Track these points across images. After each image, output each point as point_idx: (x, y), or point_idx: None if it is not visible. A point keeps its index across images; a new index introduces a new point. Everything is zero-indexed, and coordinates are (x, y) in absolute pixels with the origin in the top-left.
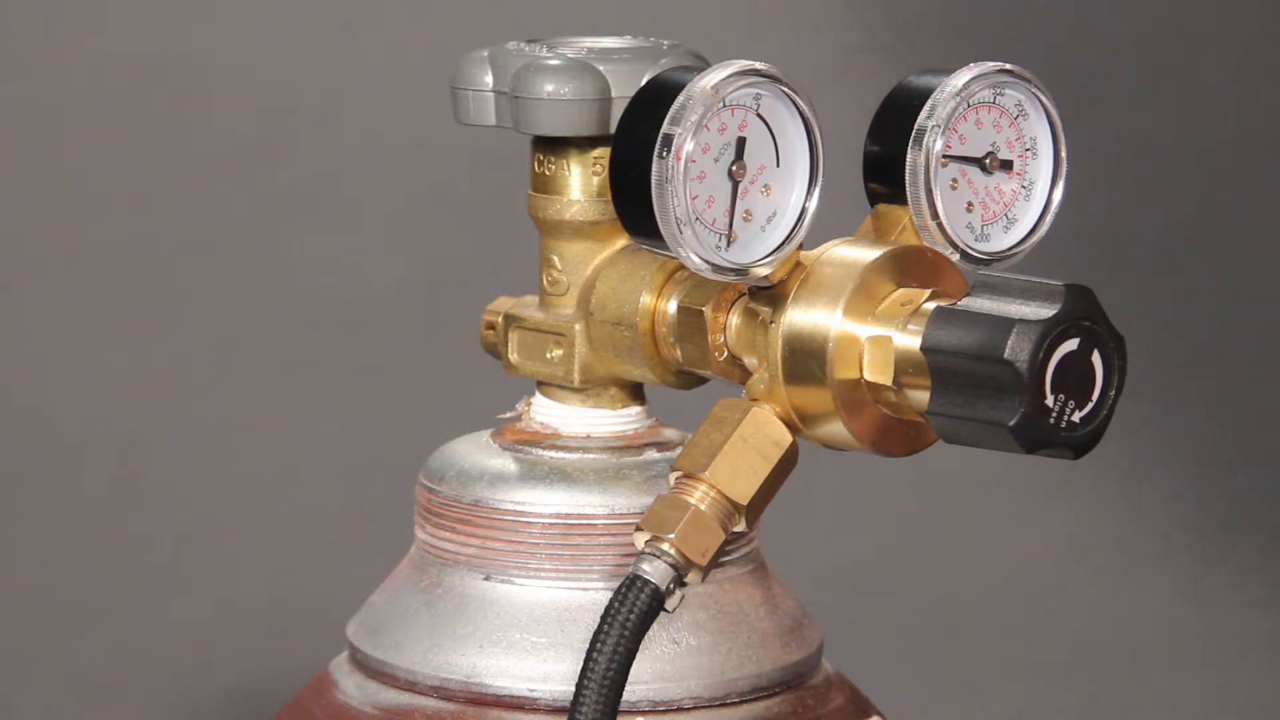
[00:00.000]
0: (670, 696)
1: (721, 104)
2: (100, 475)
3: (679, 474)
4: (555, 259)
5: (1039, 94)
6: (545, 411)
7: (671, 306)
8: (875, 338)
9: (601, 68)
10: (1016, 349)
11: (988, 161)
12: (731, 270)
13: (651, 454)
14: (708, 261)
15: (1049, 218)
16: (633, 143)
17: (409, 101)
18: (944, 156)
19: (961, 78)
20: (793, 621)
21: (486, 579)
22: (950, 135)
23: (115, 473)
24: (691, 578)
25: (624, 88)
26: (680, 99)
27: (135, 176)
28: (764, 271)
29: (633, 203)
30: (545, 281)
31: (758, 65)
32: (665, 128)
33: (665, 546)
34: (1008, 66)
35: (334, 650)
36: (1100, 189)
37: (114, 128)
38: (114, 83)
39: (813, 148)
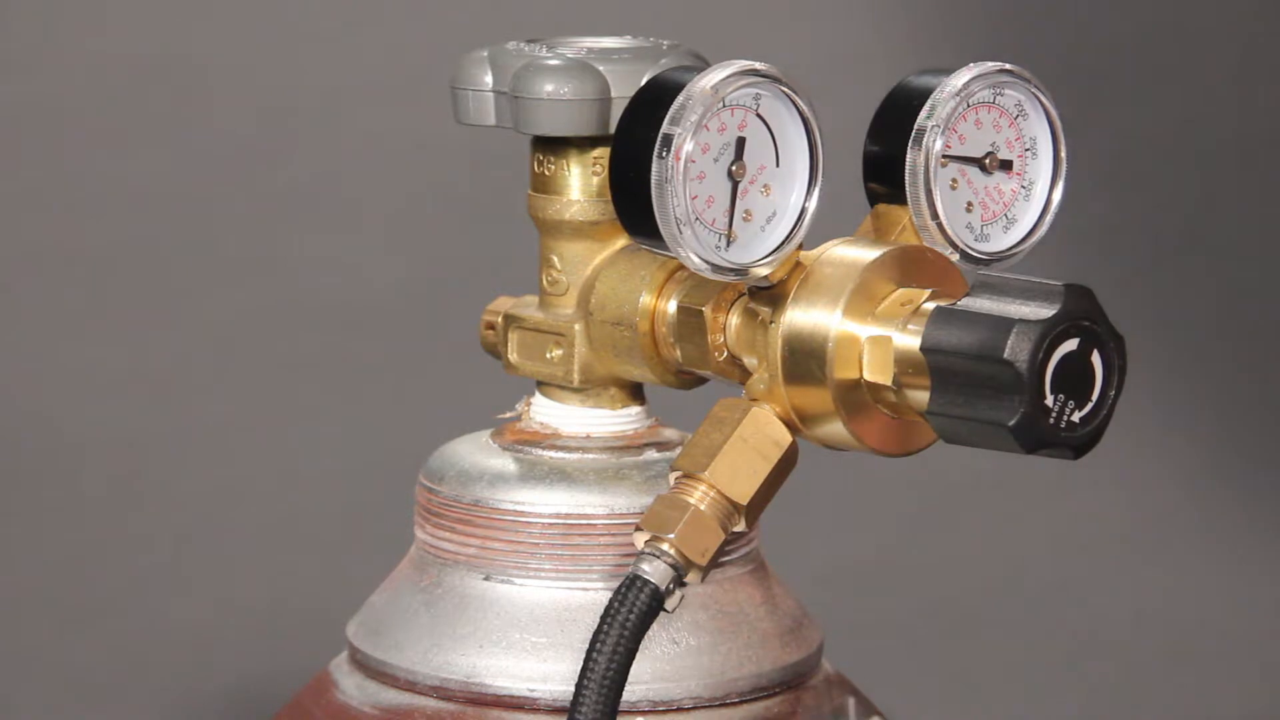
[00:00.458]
0: (670, 696)
1: (721, 104)
2: (100, 475)
3: (679, 474)
4: (555, 259)
5: (1039, 94)
6: (545, 411)
7: (671, 306)
8: (875, 338)
9: (601, 68)
10: (1016, 349)
11: (987, 161)
12: (731, 270)
13: (651, 454)
14: (707, 261)
15: (1049, 218)
16: (632, 143)
17: (409, 101)
18: (944, 156)
19: (961, 78)
20: (793, 621)
21: (486, 579)
22: (950, 135)
23: (115, 473)
24: (691, 578)
25: (624, 88)
26: (680, 99)
27: (135, 176)
28: (764, 271)
29: (632, 203)
30: (545, 281)
31: (757, 65)
32: (665, 128)
33: (665, 546)
34: (1008, 66)
35: (334, 650)
36: (1100, 189)
37: (114, 128)
38: (114, 83)
39: (812, 148)
